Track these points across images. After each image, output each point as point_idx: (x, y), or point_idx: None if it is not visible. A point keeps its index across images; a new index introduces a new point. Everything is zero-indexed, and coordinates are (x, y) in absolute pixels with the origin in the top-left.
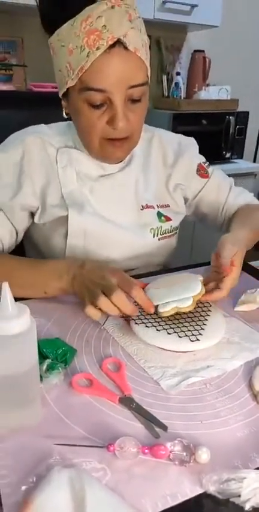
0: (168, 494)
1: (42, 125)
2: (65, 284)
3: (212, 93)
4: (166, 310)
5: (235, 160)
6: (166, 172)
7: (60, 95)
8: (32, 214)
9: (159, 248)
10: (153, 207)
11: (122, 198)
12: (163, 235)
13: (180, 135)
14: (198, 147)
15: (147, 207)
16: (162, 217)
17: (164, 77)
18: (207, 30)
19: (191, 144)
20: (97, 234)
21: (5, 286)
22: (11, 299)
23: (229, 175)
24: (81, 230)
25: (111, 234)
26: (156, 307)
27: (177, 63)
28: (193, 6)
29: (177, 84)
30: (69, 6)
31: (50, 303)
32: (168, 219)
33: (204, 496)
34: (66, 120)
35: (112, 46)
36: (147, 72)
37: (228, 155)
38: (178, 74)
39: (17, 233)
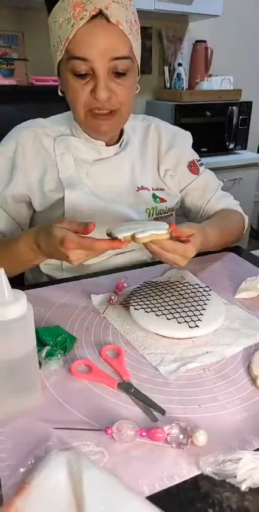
0: (165, 475)
1: (39, 118)
2: (43, 258)
3: (215, 83)
4: (144, 235)
5: (239, 151)
6: (158, 159)
7: (55, 71)
8: (30, 205)
9: None
10: (149, 189)
11: (117, 180)
12: (159, 215)
13: (177, 127)
14: (192, 141)
15: (143, 188)
16: (157, 199)
17: (166, 68)
18: (209, 19)
19: (185, 136)
20: (93, 212)
21: (1, 272)
22: (7, 285)
23: (233, 167)
24: (77, 208)
25: (107, 212)
26: (132, 236)
27: (179, 53)
28: None
29: (179, 75)
30: None
31: (51, 292)
32: (163, 200)
33: (201, 477)
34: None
35: (95, 17)
36: (131, 48)
37: (231, 146)
38: (180, 64)
39: (17, 222)
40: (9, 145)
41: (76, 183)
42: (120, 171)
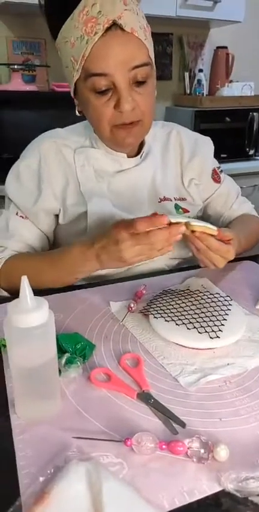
0: (185, 490)
1: (58, 129)
2: (92, 268)
3: (235, 89)
4: (199, 224)
5: None
6: (181, 168)
7: (72, 93)
8: (57, 216)
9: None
10: (171, 200)
11: (139, 191)
12: None
13: (197, 133)
14: (213, 147)
15: (165, 199)
16: (180, 209)
17: (186, 74)
18: (230, 25)
19: (206, 143)
20: None
21: (24, 280)
22: (30, 292)
23: (253, 173)
24: (100, 223)
25: None
26: (186, 223)
27: (200, 59)
28: (216, 1)
29: (199, 81)
30: (70, 4)
31: (70, 298)
32: (185, 210)
33: (223, 494)
34: (81, 119)
35: (109, 29)
36: (148, 53)
37: (251, 152)
38: (200, 70)
39: (47, 237)
40: (32, 158)
41: (97, 196)
42: (142, 182)
